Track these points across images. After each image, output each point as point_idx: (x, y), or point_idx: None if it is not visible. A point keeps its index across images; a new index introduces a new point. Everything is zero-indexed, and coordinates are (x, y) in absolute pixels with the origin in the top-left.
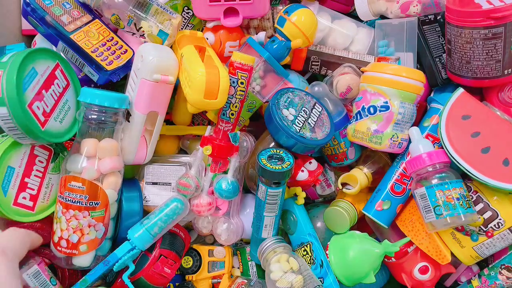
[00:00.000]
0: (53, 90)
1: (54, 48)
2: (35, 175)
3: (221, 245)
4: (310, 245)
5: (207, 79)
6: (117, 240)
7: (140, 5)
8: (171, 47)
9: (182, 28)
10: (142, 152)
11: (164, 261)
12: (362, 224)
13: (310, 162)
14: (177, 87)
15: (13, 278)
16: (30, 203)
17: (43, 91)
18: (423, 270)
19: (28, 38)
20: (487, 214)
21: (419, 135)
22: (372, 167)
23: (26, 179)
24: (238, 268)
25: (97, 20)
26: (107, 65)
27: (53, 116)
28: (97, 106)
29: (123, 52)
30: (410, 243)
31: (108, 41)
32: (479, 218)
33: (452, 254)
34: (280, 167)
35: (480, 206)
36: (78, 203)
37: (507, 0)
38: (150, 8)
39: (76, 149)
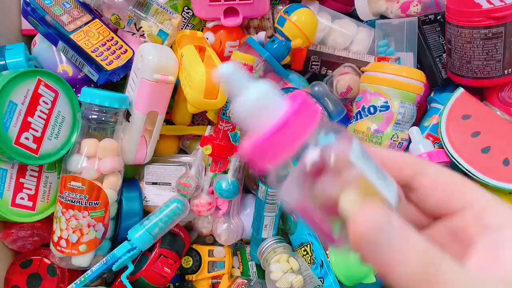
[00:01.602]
0: (40, 111)
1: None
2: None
3: (221, 245)
4: (310, 245)
5: (207, 79)
6: (117, 240)
7: (140, 5)
8: (171, 47)
9: (182, 28)
10: (142, 152)
11: (164, 260)
12: None
13: None
14: (177, 87)
15: None
16: (30, 203)
17: (29, 118)
18: None
19: (28, 38)
20: None
21: (419, 135)
22: None
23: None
24: (238, 268)
25: (97, 20)
26: (107, 65)
27: (46, 137)
28: (97, 106)
29: (123, 52)
30: None
31: (108, 41)
32: None
33: None
34: None
35: None
36: (78, 203)
37: (507, 0)
38: (150, 8)
39: (76, 149)
